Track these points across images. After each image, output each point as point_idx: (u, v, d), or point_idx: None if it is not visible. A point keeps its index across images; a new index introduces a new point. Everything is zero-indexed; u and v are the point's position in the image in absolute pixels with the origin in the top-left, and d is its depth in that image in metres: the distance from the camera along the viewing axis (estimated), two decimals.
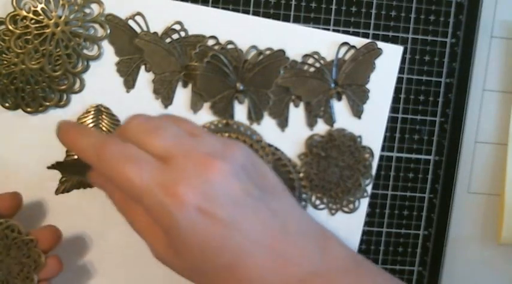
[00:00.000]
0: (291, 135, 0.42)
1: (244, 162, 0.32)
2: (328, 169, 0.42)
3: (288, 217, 0.33)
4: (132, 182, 0.30)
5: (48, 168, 0.39)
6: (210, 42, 0.40)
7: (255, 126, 0.41)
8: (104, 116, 0.40)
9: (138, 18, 0.40)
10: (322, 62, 0.41)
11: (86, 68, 0.40)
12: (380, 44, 0.41)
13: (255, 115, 0.41)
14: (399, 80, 0.42)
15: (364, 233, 0.43)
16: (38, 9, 0.38)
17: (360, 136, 0.42)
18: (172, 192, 0.29)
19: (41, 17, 0.38)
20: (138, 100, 0.40)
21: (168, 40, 0.40)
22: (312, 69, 0.41)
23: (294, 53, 0.41)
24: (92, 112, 0.40)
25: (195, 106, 0.41)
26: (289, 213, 0.33)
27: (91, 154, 0.31)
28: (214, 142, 0.32)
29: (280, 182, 0.34)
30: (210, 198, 0.30)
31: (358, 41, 0.41)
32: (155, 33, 0.40)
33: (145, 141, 0.31)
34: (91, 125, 0.40)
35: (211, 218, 0.30)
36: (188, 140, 0.32)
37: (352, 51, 0.41)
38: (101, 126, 0.40)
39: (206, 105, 0.41)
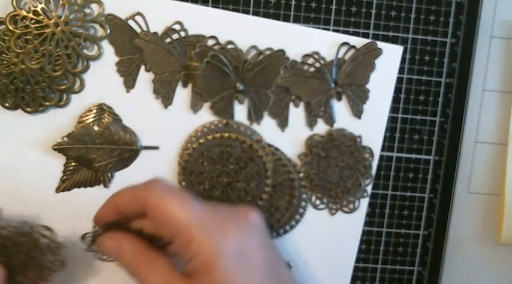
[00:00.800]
0: (291, 135, 0.42)
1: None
2: (328, 169, 0.42)
3: None
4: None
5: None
6: (210, 42, 0.40)
7: (255, 126, 0.41)
8: (106, 115, 0.40)
9: (138, 18, 0.40)
10: (322, 62, 0.41)
11: (86, 68, 0.40)
12: (380, 44, 0.41)
13: (255, 115, 0.41)
14: (399, 80, 0.42)
15: (364, 233, 0.43)
16: (38, 9, 0.38)
17: (360, 136, 0.42)
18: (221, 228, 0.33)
19: (41, 17, 0.38)
20: (138, 100, 0.40)
21: (168, 40, 0.40)
22: (312, 69, 0.41)
23: (294, 53, 0.41)
24: (94, 111, 0.40)
25: (195, 106, 0.41)
26: None
27: None
28: None
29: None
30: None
31: (358, 41, 0.41)
32: (155, 33, 0.40)
33: None
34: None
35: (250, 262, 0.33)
36: None
37: (352, 51, 0.41)
38: (102, 124, 0.40)
39: (206, 105, 0.41)
